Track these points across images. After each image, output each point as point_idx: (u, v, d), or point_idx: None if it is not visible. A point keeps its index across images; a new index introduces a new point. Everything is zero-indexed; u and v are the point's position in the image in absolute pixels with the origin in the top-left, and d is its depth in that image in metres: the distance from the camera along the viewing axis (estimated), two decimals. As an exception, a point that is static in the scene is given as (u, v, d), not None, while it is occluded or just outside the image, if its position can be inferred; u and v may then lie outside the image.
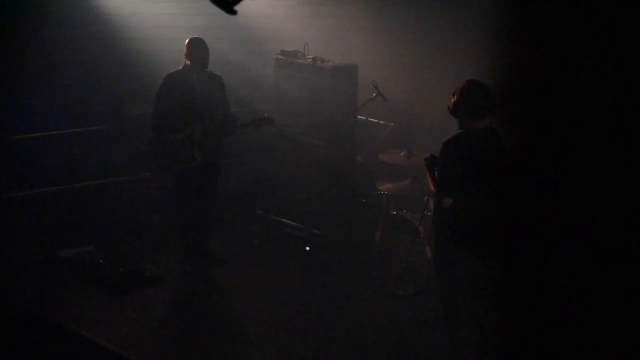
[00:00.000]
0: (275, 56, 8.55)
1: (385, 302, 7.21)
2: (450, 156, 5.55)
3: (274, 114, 8.48)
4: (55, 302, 7.04)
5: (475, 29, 8.26)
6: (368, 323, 6.81)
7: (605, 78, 4.78)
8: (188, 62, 7.42)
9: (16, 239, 7.97)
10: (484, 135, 5.62)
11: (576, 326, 4.90)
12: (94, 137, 8.64)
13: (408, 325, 6.83)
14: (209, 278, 7.74)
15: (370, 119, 8.67)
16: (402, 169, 7.75)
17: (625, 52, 4.62)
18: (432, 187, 5.70)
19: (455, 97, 5.61)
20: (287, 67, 8.44)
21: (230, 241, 8.50)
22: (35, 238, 8.03)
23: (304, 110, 8.30)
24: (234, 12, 3.00)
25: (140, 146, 7.92)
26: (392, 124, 8.53)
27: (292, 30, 9.08)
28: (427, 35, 8.63)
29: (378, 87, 8.26)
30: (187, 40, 7.42)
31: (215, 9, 3.03)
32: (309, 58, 8.33)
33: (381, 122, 8.63)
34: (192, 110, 7.40)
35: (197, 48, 7.38)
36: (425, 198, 6.86)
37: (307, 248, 8.23)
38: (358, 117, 8.46)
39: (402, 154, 7.74)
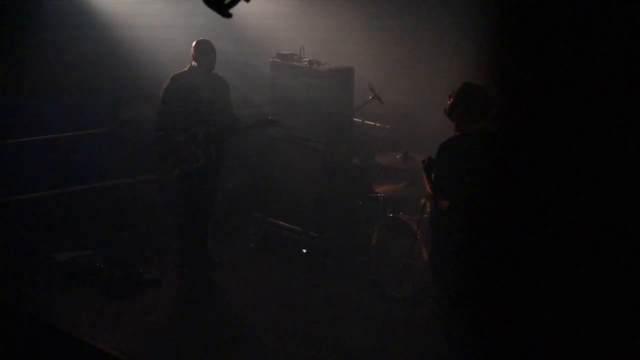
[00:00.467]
0: (272, 59, 8.56)
1: (383, 305, 7.21)
2: (446, 159, 5.55)
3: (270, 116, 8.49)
4: (52, 306, 7.03)
5: (472, 31, 8.29)
6: (365, 325, 6.81)
7: (605, 78, 4.80)
8: (194, 64, 7.42)
9: (13, 242, 7.95)
10: (480, 138, 5.63)
11: (577, 327, 4.92)
12: (91, 141, 8.63)
13: (405, 327, 6.83)
14: (206, 281, 7.74)
15: (366, 122, 8.67)
16: (398, 171, 7.75)
17: (626, 51, 4.62)
18: (428, 190, 5.70)
19: (452, 99, 5.62)
20: (284, 70, 8.44)
21: (227, 244, 8.49)
22: (33, 241, 8.02)
23: (301, 113, 8.31)
24: (229, 15, 3.00)
25: (140, 148, 7.92)
26: (388, 126, 8.53)
27: (288, 33, 9.08)
28: (424, 38, 8.63)
29: (374, 89, 8.27)
30: (194, 42, 7.42)
31: (211, 12, 3.03)
32: (305, 61, 8.34)
33: (377, 124, 8.63)
34: (197, 111, 7.41)
35: (204, 50, 7.38)
36: (422, 200, 6.86)
37: (304, 251, 8.23)
38: (354, 119, 8.47)
39: (398, 156, 7.75)
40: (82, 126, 8.60)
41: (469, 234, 5.65)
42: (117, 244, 8.21)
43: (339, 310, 7.17)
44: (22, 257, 7.79)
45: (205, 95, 7.43)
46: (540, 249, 4.90)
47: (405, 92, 8.58)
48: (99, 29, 8.55)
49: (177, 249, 7.77)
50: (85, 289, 7.36)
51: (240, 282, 7.73)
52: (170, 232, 8.01)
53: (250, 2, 3.06)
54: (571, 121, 4.84)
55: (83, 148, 8.57)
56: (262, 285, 7.67)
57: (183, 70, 7.48)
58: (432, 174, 5.65)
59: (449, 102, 5.65)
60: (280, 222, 8.50)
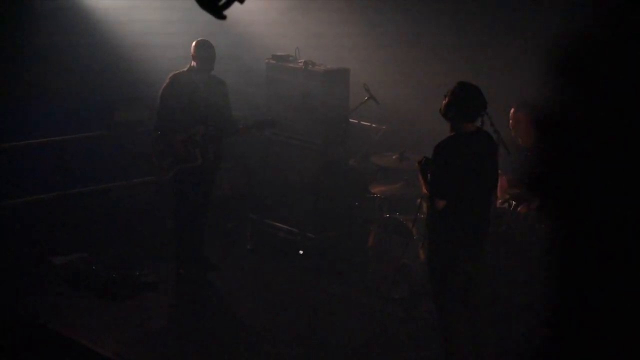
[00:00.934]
0: (267, 61, 8.56)
1: (380, 305, 7.21)
2: (442, 159, 5.56)
3: (269, 117, 8.49)
4: (50, 308, 7.03)
5: (468, 32, 8.30)
6: (362, 326, 6.81)
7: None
8: (194, 64, 7.42)
9: (10, 245, 7.95)
10: (476, 138, 5.63)
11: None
12: (87, 144, 8.63)
13: (402, 328, 6.83)
14: (203, 283, 7.74)
15: (362, 123, 8.67)
16: (394, 171, 7.75)
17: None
18: (425, 190, 5.71)
19: (447, 99, 5.62)
20: (279, 72, 8.45)
21: (224, 246, 8.49)
22: (29, 244, 8.01)
23: (297, 114, 8.31)
24: (223, 17, 3.00)
25: (137, 151, 7.92)
26: (384, 127, 8.53)
27: (283, 34, 9.08)
28: (419, 39, 8.64)
29: (370, 90, 8.27)
30: (194, 42, 7.43)
31: (207, 15, 3.03)
32: (300, 62, 8.34)
33: (373, 125, 8.63)
34: (196, 112, 7.41)
35: (204, 49, 7.39)
36: (418, 200, 6.87)
37: (301, 252, 8.23)
38: (350, 120, 8.47)
39: (394, 157, 7.75)
40: (78, 129, 8.60)
41: (465, 234, 5.65)
42: (114, 246, 8.20)
43: (336, 311, 7.17)
44: (20, 260, 7.78)
45: (204, 95, 7.43)
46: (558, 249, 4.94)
47: (401, 93, 8.59)
48: (95, 32, 8.55)
49: (174, 250, 7.77)
50: (82, 292, 7.35)
51: (237, 284, 7.73)
52: (168, 234, 8.00)
53: (245, 4, 3.06)
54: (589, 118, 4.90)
55: (79, 151, 8.56)
56: (259, 287, 7.67)
57: (182, 70, 7.48)
58: (428, 175, 5.65)
59: (444, 102, 5.65)
60: (277, 224, 8.50)
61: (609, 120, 5.12)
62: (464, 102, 5.56)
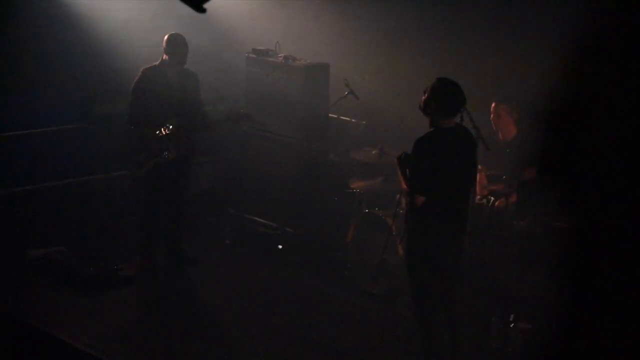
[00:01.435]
0: (247, 55, 8.54)
1: (359, 300, 7.22)
2: (422, 154, 5.57)
3: (243, 110, 8.46)
4: (25, 302, 6.99)
5: (448, 27, 8.32)
6: (341, 321, 6.82)
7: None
8: (165, 57, 7.38)
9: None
10: (455, 133, 5.65)
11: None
12: (65, 136, 8.57)
13: (381, 323, 6.85)
14: (181, 277, 7.71)
15: (342, 117, 8.67)
16: (374, 167, 7.76)
17: None
18: (404, 185, 5.71)
19: (426, 94, 5.63)
20: (259, 66, 8.43)
21: (203, 240, 8.47)
22: (5, 238, 7.94)
23: (276, 109, 8.29)
24: (203, 10, 2.99)
25: (115, 144, 7.87)
26: (364, 122, 8.54)
27: (263, 28, 9.06)
28: (399, 34, 8.65)
29: (350, 85, 8.27)
30: (166, 36, 7.39)
31: (187, 9, 3.02)
32: (280, 57, 8.32)
33: (353, 120, 8.63)
34: (168, 105, 7.36)
35: (176, 44, 7.35)
36: (398, 196, 6.88)
37: (280, 247, 8.23)
38: (330, 115, 8.47)
39: (374, 152, 7.76)
40: (57, 121, 8.54)
41: (444, 230, 5.67)
42: (91, 240, 8.16)
43: (315, 306, 7.17)
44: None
45: (176, 88, 7.39)
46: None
47: (381, 88, 8.60)
48: (73, 24, 8.48)
49: (139, 241, 7.70)
50: (58, 285, 7.31)
51: (215, 278, 7.72)
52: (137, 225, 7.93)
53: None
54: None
55: (58, 143, 8.50)
56: (238, 281, 7.66)
57: (154, 64, 7.43)
58: (407, 170, 5.66)
59: (423, 98, 5.66)
60: (256, 218, 8.49)
61: (605, 113, 5.19)
62: (443, 97, 5.57)
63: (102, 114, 8.61)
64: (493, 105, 7.17)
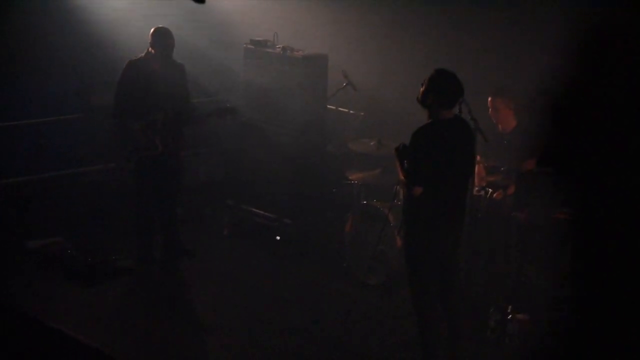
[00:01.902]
0: (245, 45, 8.52)
1: (356, 292, 7.23)
2: (420, 146, 5.56)
3: (243, 104, 8.44)
4: (22, 293, 6.98)
5: (447, 19, 8.31)
6: (339, 312, 6.82)
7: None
8: (151, 50, 7.36)
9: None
10: (453, 125, 5.64)
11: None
12: (62, 127, 8.55)
13: (379, 314, 6.85)
14: (179, 269, 7.71)
15: (340, 109, 8.66)
16: (372, 158, 7.76)
17: None
18: (401, 177, 5.71)
19: (424, 86, 5.62)
20: (257, 57, 8.41)
21: (201, 232, 8.47)
22: (3, 228, 7.94)
23: (274, 100, 8.28)
24: (202, 1, 2.98)
25: (110, 135, 7.85)
26: (362, 113, 8.53)
27: (261, 19, 9.04)
28: (398, 25, 8.63)
29: (348, 76, 8.26)
30: (152, 29, 7.36)
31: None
32: (278, 47, 8.30)
33: (351, 111, 8.63)
34: (155, 98, 7.32)
35: (162, 37, 7.31)
36: (395, 187, 6.87)
37: (278, 238, 8.23)
38: (328, 106, 8.46)
39: (372, 143, 7.75)
40: (54, 112, 8.52)
41: (442, 221, 5.67)
42: (89, 231, 8.16)
43: (313, 297, 7.18)
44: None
45: (162, 81, 7.34)
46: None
47: (379, 79, 8.59)
48: (71, 14, 8.46)
49: (136, 232, 7.69)
50: (56, 276, 7.31)
51: (213, 270, 7.72)
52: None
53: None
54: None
55: (56, 134, 8.49)
56: (236, 273, 7.66)
57: (140, 56, 7.41)
58: (406, 161, 5.66)
59: (421, 89, 5.65)
60: (254, 210, 8.49)
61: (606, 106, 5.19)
62: (441, 89, 5.56)
63: (100, 104, 8.59)
64: (490, 99, 7.17)
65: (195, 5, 2.99)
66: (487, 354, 6.23)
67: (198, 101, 8.11)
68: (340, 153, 8.29)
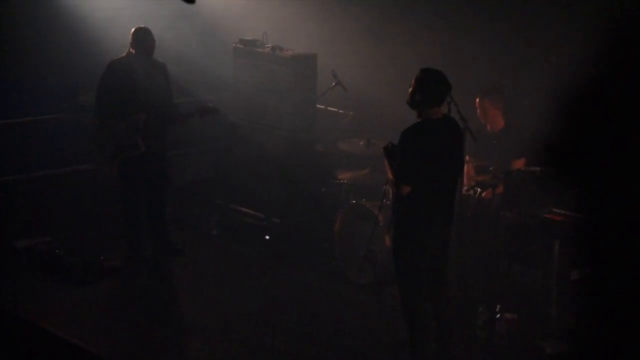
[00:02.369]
0: (234, 45, 8.52)
1: (345, 291, 7.23)
2: (408, 145, 5.56)
3: (232, 103, 8.44)
4: (11, 293, 6.96)
5: (436, 19, 8.33)
6: (328, 311, 6.83)
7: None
8: (132, 50, 7.35)
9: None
10: (442, 124, 5.65)
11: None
12: (50, 126, 8.53)
13: (368, 313, 6.86)
14: (168, 268, 7.70)
15: (329, 108, 8.67)
16: (361, 158, 7.77)
17: None
18: (390, 176, 5.71)
19: (411, 87, 5.62)
20: (246, 56, 8.41)
21: (190, 231, 8.46)
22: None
23: (263, 99, 8.28)
24: (192, 1, 2.98)
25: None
26: (351, 113, 8.54)
27: (251, 18, 9.04)
28: (387, 25, 8.64)
29: (337, 76, 8.26)
30: (132, 30, 7.34)
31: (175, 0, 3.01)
32: (268, 47, 8.31)
33: (340, 111, 8.63)
34: (136, 98, 7.30)
35: (142, 37, 7.29)
36: (384, 186, 6.88)
37: (267, 237, 8.23)
38: (318, 106, 8.46)
39: (361, 143, 7.76)
40: (42, 111, 8.49)
41: (430, 220, 5.68)
42: (78, 230, 8.13)
43: (302, 297, 7.18)
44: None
45: (144, 81, 7.32)
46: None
47: (368, 79, 8.59)
48: (60, 13, 8.44)
49: (125, 232, 7.68)
50: (45, 276, 7.28)
51: (202, 269, 7.71)
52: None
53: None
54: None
55: (43, 133, 8.47)
56: (225, 273, 7.65)
57: (121, 56, 7.39)
58: (394, 161, 5.66)
59: (409, 91, 5.65)
60: (243, 209, 8.48)
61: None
62: (428, 86, 5.56)
63: (88, 103, 8.56)
64: (477, 100, 7.19)
65: (185, 5, 2.99)
66: (476, 353, 6.25)
67: (183, 101, 8.10)
68: (329, 152, 8.29)
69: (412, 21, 8.42)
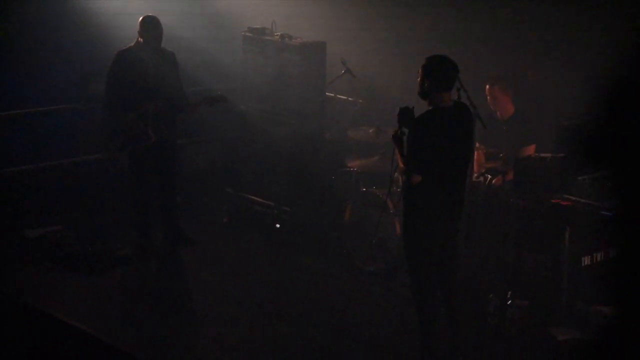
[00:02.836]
0: (243, 33, 8.50)
1: (356, 279, 7.23)
2: (420, 133, 5.55)
3: (241, 91, 8.43)
4: (22, 282, 6.99)
5: (444, 6, 8.29)
6: (339, 300, 6.83)
7: None
8: (140, 40, 7.33)
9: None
10: (453, 111, 5.62)
11: None
12: (61, 116, 8.55)
13: (378, 301, 6.86)
14: (178, 257, 7.71)
15: (338, 96, 8.65)
16: (371, 145, 7.75)
17: None
18: (400, 163, 5.69)
19: (419, 76, 5.59)
20: (255, 45, 8.39)
21: (200, 220, 8.47)
22: (2, 217, 7.94)
23: (272, 88, 8.27)
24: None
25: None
26: (360, 100, 8.52)
27: (259, 6, 9.02)
28: (396, 12, 8.61)
29: (346, 64, 8.24)
30: (140, 18, 7.33)
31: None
32: (277, 35, 8.29)
33: (350, 99, 8.62)
34: (145, 88, 7.29)
35: (150, 26, 7.28)
36: (394, 174, 6.87)
37: (277, 225, 8.23)
38: (327, 94, 8.45)
39: (371, 130, 7.74)
40: (52, 101, 8.51)
41: (440, 208, 5.67)
42: (88, 219, 8.15)
43: (312, 285, 7.18)
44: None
45: (152, 71, 7.30)
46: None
47: (377, 67, 8.57)
48: (69, 4, 8.44)
49: (135, 221, 7.69)
50: (56, 265, 7.31)
51: (212, 258, 7.72)
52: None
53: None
54: None
55: (54, 123, 8.48)
56: (235, 261, 7.66)
57: (129, 46, 7.38)
58: (403, 148, 5.64)
59: (418, 81, 5.62)
60: (253, 197, 8.48)
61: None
62: (435, 72, 5.53)
63: (98, 93, 8.57)
64: (487, 87, 7.17)
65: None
66: (487, 339, 6.24)
67: (193, 90, 8.09)
68: (339, 140, 8.28)
69: (421, 8, 8.38)
